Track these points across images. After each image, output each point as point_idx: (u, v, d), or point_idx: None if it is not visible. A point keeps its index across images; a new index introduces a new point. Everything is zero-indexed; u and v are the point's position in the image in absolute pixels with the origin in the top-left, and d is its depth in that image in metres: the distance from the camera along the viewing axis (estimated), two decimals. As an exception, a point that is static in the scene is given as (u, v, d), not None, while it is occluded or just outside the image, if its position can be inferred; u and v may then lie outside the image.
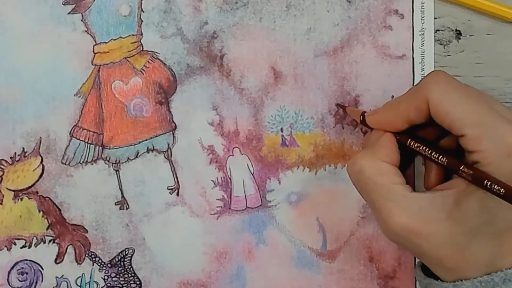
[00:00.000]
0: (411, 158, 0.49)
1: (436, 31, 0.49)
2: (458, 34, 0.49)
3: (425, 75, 0.49)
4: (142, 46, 0.51)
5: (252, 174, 0.51)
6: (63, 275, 0.52)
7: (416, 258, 0.51)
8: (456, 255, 0.41)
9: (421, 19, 0.49)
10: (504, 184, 0.39)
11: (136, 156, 0.51)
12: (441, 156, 0.43)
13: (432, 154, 0.43)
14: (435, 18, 0.49)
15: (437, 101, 0.42)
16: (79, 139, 0.51)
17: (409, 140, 0.44)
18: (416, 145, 0.44)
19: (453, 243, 0.41)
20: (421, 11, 0.49)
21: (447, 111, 0.42)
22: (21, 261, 0.51)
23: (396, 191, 0.42)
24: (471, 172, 0.41)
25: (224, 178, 0.51)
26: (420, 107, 0.43)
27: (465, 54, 0.50)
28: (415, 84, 0.49)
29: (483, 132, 0.41)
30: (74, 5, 0.50)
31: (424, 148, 0.44)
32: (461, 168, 0.42)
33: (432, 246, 0.42)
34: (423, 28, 0.49)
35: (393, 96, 0.50)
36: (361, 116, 0.47)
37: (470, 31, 0.49)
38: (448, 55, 0.50)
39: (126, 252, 0.51)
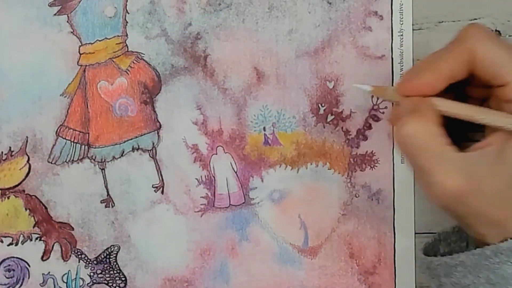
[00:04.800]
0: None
1: None
2: (498, 34, 0.49)
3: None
4: (127, 47, 0.51)
5: (236, 172, 0.52)
6: (49, 272, 0.52)
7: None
8: (504, 209, 0.41)
9: (400, 20, 0.50)
10: None
11: (122, 155, 0.52)
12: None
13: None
14: (475, 19, 0.49)
15: (483, 50, 0.42)
16: (65, 139, 0.52)
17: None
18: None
19: (502, 198, 0.41)
20: (399, 12, 0.50)
21: (492, 59, 0.42)
22: (8, 258, 0.52)
23: (447, 153, 0.42)
24: None
25: (208, 176, 0.52)
26: (463, 59, 0.42)
27: None
28: (452, 39, 0.44)
29: None
30: (60, 6, 0.51)
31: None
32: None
33: (481, 204, 0.41)
34: (401, 29, 0.50)
35: (372, 96, 0.50)
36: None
37: (509, 31, 0.49)
38: None
39: (112, 249, 0.52)
